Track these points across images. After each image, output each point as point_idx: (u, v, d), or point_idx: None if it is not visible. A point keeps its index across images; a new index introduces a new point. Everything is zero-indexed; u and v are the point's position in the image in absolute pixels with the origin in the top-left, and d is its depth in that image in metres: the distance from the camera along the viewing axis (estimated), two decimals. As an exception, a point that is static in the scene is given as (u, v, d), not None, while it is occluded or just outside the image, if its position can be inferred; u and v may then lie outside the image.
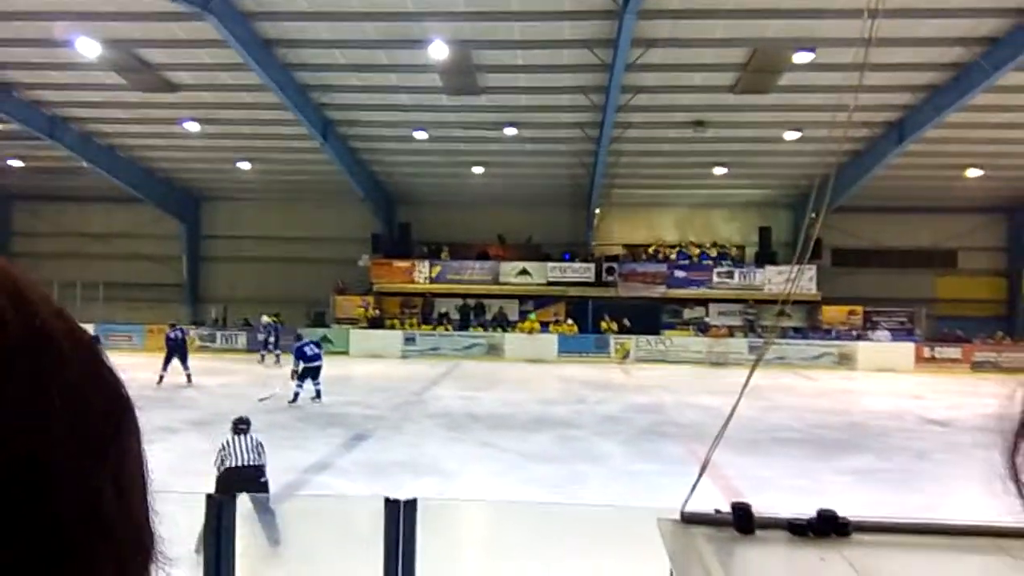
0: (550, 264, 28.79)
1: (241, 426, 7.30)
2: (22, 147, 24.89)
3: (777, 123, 21.51)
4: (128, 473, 0.41)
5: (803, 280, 25.78)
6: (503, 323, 28.30)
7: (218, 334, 27.94)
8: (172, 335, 18.94)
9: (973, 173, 24.88)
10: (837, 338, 27.20)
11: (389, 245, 30.03)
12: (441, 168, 26.59)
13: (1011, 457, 0.55)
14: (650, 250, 29.62)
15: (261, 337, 24.65)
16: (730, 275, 28.33)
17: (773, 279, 27.43)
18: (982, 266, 29.64)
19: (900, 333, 27.61)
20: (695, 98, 20.09)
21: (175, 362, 18.36)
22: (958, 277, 29.63)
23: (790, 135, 22.05)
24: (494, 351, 27.01)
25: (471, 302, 28.66)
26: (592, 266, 28.58)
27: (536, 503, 7.83)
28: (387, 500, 3.46)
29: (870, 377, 23.50)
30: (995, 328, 27.81)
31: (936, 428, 14.31)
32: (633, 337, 27.20)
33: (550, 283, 28.65)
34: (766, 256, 28.64)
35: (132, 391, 0.44)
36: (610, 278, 28.23)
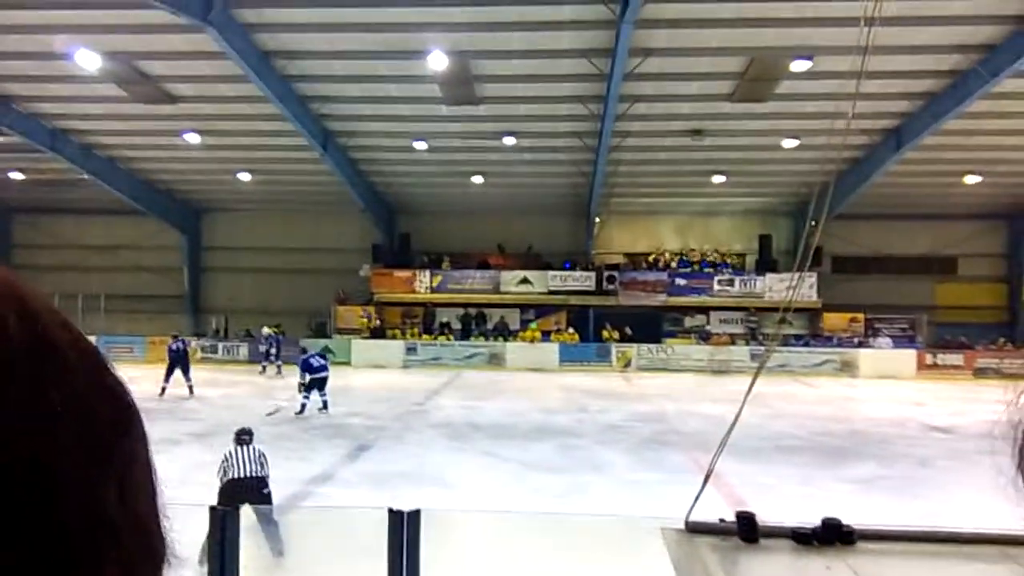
0: (551, 273, 28.79)
1: (244, 437, 7.29)
2: (23, 159, 24.95)
3: (775, 131, 21.57)
4: (135, 479, 0.42)
5: (804, 288, 25.78)
6: (504, 332, 28.29)
7: (220, 345, 27.94)
8: (174, 346, 18.94)
9: (972, 180, 24.92)
10: (839, 345, 27.19)
11: (390, 255, 30.06)
12: (441, 178, 26.64)
13: (1021, 461, 0.56)
14: (650, 258, 29.63)
15: (262, 348, 24.63)
16: (731, 283, 28.33)
17: (774, 287, 27.44)
18: (982, 272, 29.64)
19: (902, 340, 27.59)
20: (693, 107, 20.16)
21: (177, 373, 18.35)
22: (958, 284, 29.63)
23: (788, 143, 22.11)
24: (495, 360, 26.99)
25: (472, 311, 28.66)
26: (593, 275, 28.59)
27: (539, 513, 7.82)
28: (391, 511, 3.46)
29: (872, 384, 23.45)
30: (996, 334, 27.79)
31: (939, 435, 14.29)
32: (635, 346, 27.19)
33: (551, 292, 28.65)
34: (766, 264, 28.64)
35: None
36: (611, 287, 28.23)
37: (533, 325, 28.40)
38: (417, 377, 23.41)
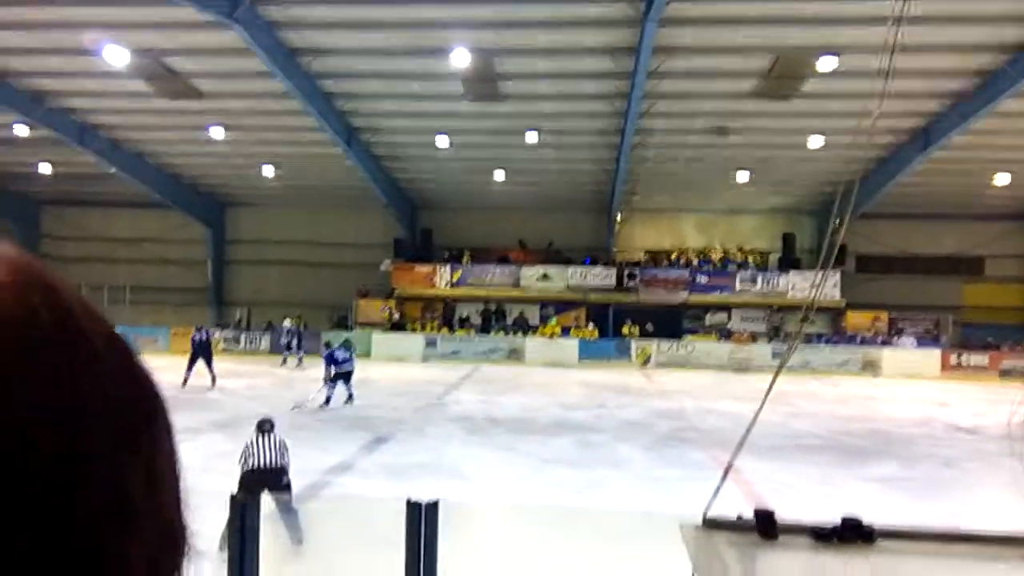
0: (571, 269, 28.76)
1: (265, 426, 7.36)
2: (52, 153, 25.35)
3: (800, 129, 21.38)
4: (159, 468, 0.43)
5: (827, 286, 25.55)
6: (524, 327, 28.31)
7: (242, 337, 28.22)
8: (197, 337, 19.14)
9: (1001, 180, 24.54)
10: (862, 344, 26.92)
11: (411, 250, 30.18)
12: (463, 174, 26.71)
13: None
14: (672, 256, 29.50)
15: (284, 340, 24.83)
16: (753, 281, 28.15)
17: (797, 285, 27.23)
18: (1010, 273, 29.20)
19: (926, 340, 27.27)
20: (717, 105, 20.03)
21: (200, 364, 18.54)
22: (986, 284, 29.21)
23: (813, 141, 21.89)
24: (515, 355, 27.02)
25: (492, 306, 28.71)
26: (613, 271, 28.52)
27: (558, 507, 7.83)
28: (409, 502, 3.48)
29: (895, 384, 23.20)
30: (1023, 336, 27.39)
31: (963, 436, 14.11)
32: (655, 342, 27.10)
33: (571, 288, 28.62)
34: (790, 262, 28.43)
35: None
36: (631, 283, 28.15)
37: (553, 321, 28.40)
38: (436, 371, 23.49)
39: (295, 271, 31.31)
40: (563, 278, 28.69)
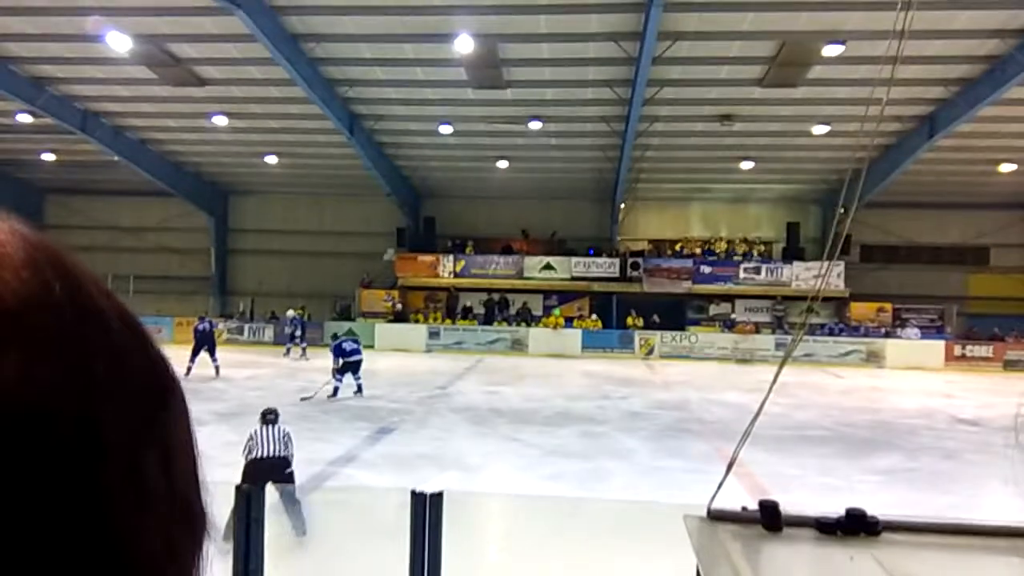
0: (574, 259, 28.70)
1: (269, 416, 7.38)
2: (55, 141, 25.34)
3: (806, 117, 21.26)
4: (175, 448, 0.42)
5: (831, 276, 25.50)
6: (527, 318, 28.30)
7: (245, 327, 28.25)
8: (200, 327, 19.18)
9: (1007, 168, 24.41)
10: (866, 335, 26.87)
11: (414, 239, 30.15)
12: (466, 162, 26.64)
13: None
14: (677, 246, 29.42)
15: (287, 331, 24.86)
16: (757, 271, 28.07)
17: (801, 275, 27.17)
18: (1016, 263, 29.07)
19: (930, 331, 27.20)
20: (722, 92, 19.91)
21: (203, 354, 18.59)
22: (991, 275, 29.10)
23: (819, 129, 21.79)
24: (518, 346, 27.03)
25: (495, 297, 28.70)
26: (617, 261, 28.46)
27: (561, 498, 7.84)
28: (413, 493, 3.48)
29: (899, 375, 23.18)
30: (1029, 327, 27.30)
31: (967, 427, 14.10)
32: (658, 333, 27.08)
33: (574, 278, 28.57)
34: (794, 252, 28.33)
35: None
36: (635, 273, 28.10)
37: (556, 311, 28.37)
38: (440, 361, 23.52)
39: (298, 260, 31.32)
40: (566, 268, 28.64)
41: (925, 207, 28.43)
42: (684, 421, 13.89)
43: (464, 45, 17.32)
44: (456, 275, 28.97)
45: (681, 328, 27.72)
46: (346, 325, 25.31)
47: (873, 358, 25.83)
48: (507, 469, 10.06)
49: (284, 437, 7.22)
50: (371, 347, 25.75)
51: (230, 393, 15.87)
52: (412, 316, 28.56)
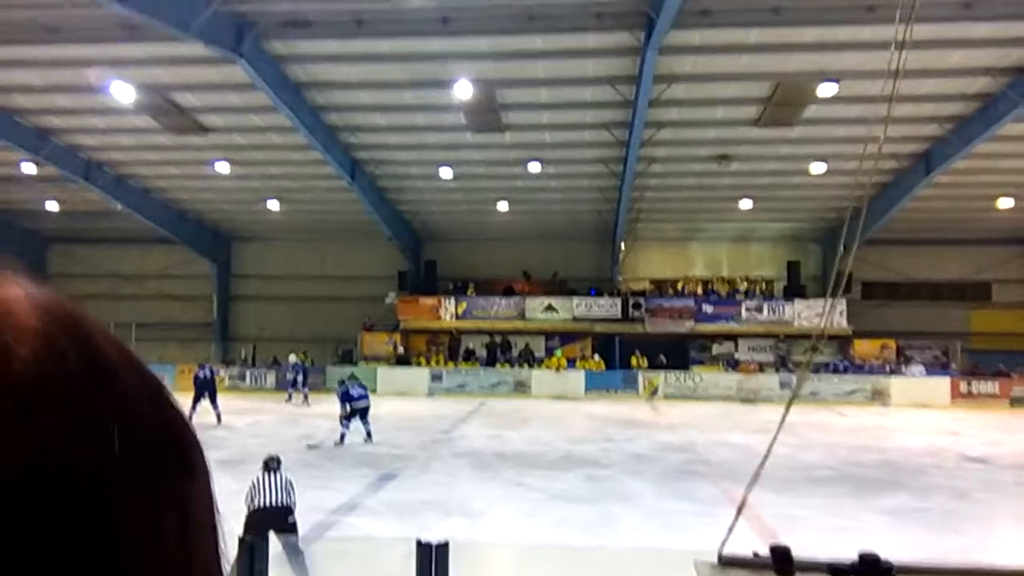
0: (576, 299, 28.70)
1: (272, 464, 7.29)
2: (59, 190, 25.56)
3: (803, 156, 21.47)
4: (194, 516, 0.41)
5: (834, 314, 25.45)
6: (529, 360, 28.19)
7: (247, 373, 28.13)
8: (201, 374, 19.08)
9: (1005, 204, 24.54)
10: (870, 372, 26.71)
11: (415, 282, 30.21)
12: (466, 205, 26.83)
13: None
14: (678, 286, 29.43)
15: (289, 376, 24.75)
16: (759, 310, 28.03)
17: (803, 313, 27.12)
18: (1018, 299, 29.03)
19: (935, 368, 27.05)
20: (719, 132, 20.14)
21: (205, 402, 18.46)
22: (993, 310, 29.05)
23: (817, 168, 21.98)
24: (521, 388, 26.87)
25: (497, 339, 28.62)
26: (618, 301, 28.45)
27: (569, 546, 7.71)
28: (419, 543, 3.42)
29: (905, 413, 22.97)
30: (1033, 362, 27.13)
31: (975, 466, 13.92)
32: (662, 373, 26.94)
33: (576, 319, 28.54)
34: (795, 290, 28.34)
35: None
36: (637, 313, 28.06)
37: (558, 352, 28.28)
38: (442, 405, 23.36)
39: (300, 306, 31.33)
40: (568, 309, 28.62)
41: (925, 243, 28.53)
42: (690, 463, 13.73)
43: (463, 91, 17.57)
44: (458, 317, 28.95)
45: (685, 368, 27.58)
46: (348, 370, 25.18)
47: (878, 396, 25.63)
48: (512, 515, 9.91)
49: (286, 485, 7.12)
50: (373, 391, 25.50)
51: (232, 440, 15.72)
52: (414, 359, 28.46)
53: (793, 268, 28.96)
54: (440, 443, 15.96)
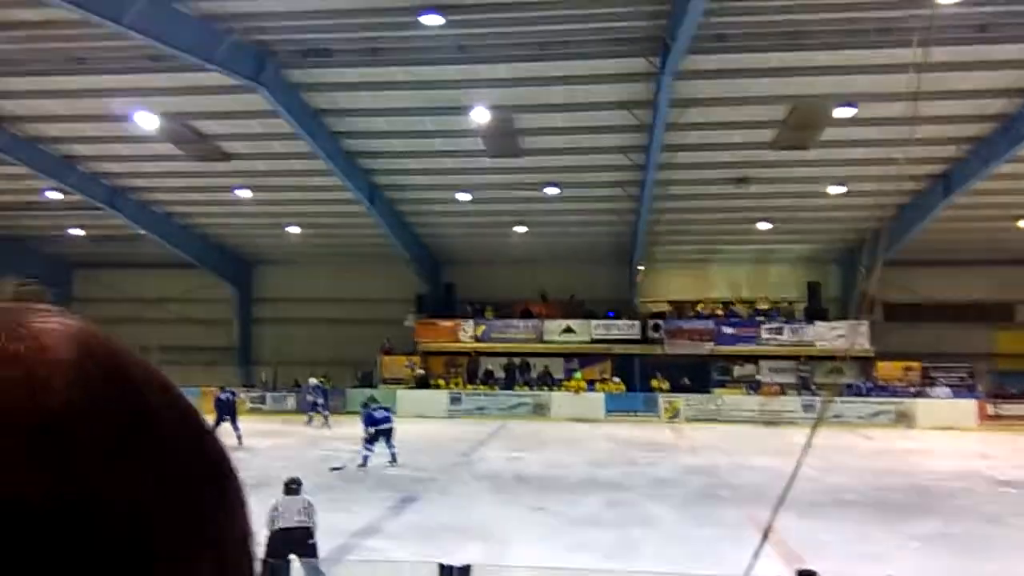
0: (594, 322, 28.62)
1: (292, 486, 7.33)
2: (84, 217, 25.98)
3: (821, 178, 21.39)
4: (231, 556, 0.41)
5: (857, 336, 25.22)
6: (548, 382, 28.10)
7: (268, 396, 28.27)
8: (222, 396, 19.22)
9: (1026, 223, 24.28)
10: (894, 395, 26.34)
11: (434, 305, 30.28)
12: (484, 228, 26.94)
13: None
14: (698, 307, 29.28)
15: (309, 399, 24.82)
16: (780, 331, 27.80)
17: (825, 335, 26.87)
18: (1043, 319, 28.59)
19: (960, 389, 26.62)
20: (736, 155, 20.13)
21: (226, 424, 18.56)
22: (1019, 331, 28.61)
23: (835, 189, 21.89)
24: (540, 410, 26.77)
25: (516, 361, 28.57)
26: (637, 323, 28.34)
27: (590, 571, 7.64)
28: (441, 566, 3.42)
29: (931, 436, 22.62)
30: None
31: (1007, 490, 13.66)
32: (683, 396, 26.73)
33: (595, 340, 28.44)
34: (816, 311, 28.11)
35: None
36: (656, 335, 27.93)
37: (578, 375, 28.17)
38: (462, 427, 23.31)
39: (320, 328, 31.46)
40: (587, 331, 28.53)
41: (947, 264, 28.21)
42: (713, 487, 13.59)
43: (480, 116, 17.73)
44: (477, 339, 28.95)
45: (706, 390, 27.35)
46: (368, 392, 25.22)
47: (903, 418, 25.25)
48: (532, 539, 9.84)
49: (307, 507, 7.15)
50: (393, 414, 25.63)
51: (253, 463, 15.75)
52: (433, 381, 28.46)
53: (814, 289, 28.75)
54: (460, 465, 15.92)
